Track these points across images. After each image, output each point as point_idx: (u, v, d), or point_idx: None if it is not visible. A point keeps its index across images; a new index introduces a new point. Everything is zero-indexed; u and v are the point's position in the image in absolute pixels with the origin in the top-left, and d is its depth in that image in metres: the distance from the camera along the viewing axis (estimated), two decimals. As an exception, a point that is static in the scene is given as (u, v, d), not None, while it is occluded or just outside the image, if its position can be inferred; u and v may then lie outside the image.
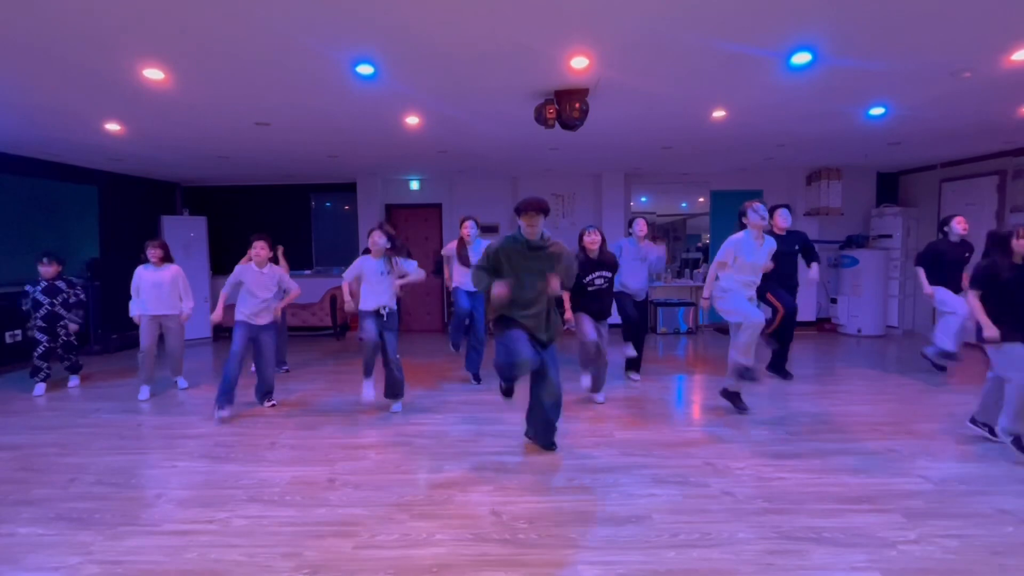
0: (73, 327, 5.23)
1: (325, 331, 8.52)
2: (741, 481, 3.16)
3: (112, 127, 4.96)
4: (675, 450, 3.63)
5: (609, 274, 4.51)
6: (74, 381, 5.46)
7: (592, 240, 4.41)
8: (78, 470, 3.41)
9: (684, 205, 9.82)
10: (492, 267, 3.41)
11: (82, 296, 5.32)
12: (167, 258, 5.14)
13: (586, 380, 4.48)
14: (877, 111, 4.74)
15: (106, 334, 7.22)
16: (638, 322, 5.21)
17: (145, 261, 5.11)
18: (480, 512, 2.83)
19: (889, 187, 8.50)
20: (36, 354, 5.13)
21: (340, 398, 4.98)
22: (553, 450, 3.58)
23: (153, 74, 3.55)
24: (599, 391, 4.62)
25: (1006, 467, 3.31)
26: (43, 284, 5.07)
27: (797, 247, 5.25)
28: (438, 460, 3.52)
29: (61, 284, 5.15)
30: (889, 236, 7.97)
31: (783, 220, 5.19)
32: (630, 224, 5.25)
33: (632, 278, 5.12)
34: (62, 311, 5.15)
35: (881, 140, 6.05)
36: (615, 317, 4.97)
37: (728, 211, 8.75)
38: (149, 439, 3.96)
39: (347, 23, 2.89)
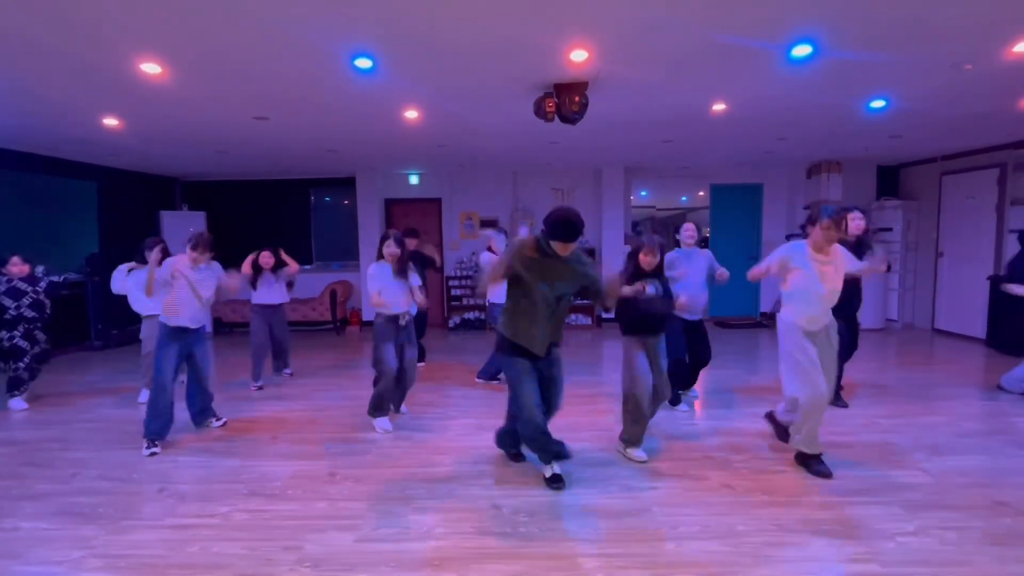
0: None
1: (325, 326, 8.53)
2: (740, 474, 3.17)
3: (110, 122, 4.95)
4: (674, 443, 3.64)
5: (658, 283, 3.49)
6: (21, 404, 4.63)
7: (649, 261, 3.47)
8: (80, 465, 3.42)
9: (684, 199, 9.80)
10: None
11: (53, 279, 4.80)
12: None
13: (640, 454, 3.39)
14: (878, 104, 4.72)
15: (106, 330, 7.22)
16: (691, 354, 4.30)
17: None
18: (481, 506, 2.84)
19: (889, 180, 8.49)
20: (23, 364, 4.62)
21: (340, 392, 5.00)
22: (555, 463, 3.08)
23: (150, 68, 3.54)
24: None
25: (1005, 459, 3.32)
26: (20, 277, 4.58)
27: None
28: (438, 454, 3.53)
29: (39, 271, 4.69)
30: (889, 229, 7.95)
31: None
32: (676, 231, 4.46)
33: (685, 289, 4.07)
34: (44, 299, 4.66)
35: (882, 133, 6.03)
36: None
37: (728, 205, 8.76)
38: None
39: (345, 16, 2.87)
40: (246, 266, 5.14)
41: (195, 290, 3.76)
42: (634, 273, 3.48)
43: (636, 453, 3.39)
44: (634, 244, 3.58)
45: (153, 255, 3.96)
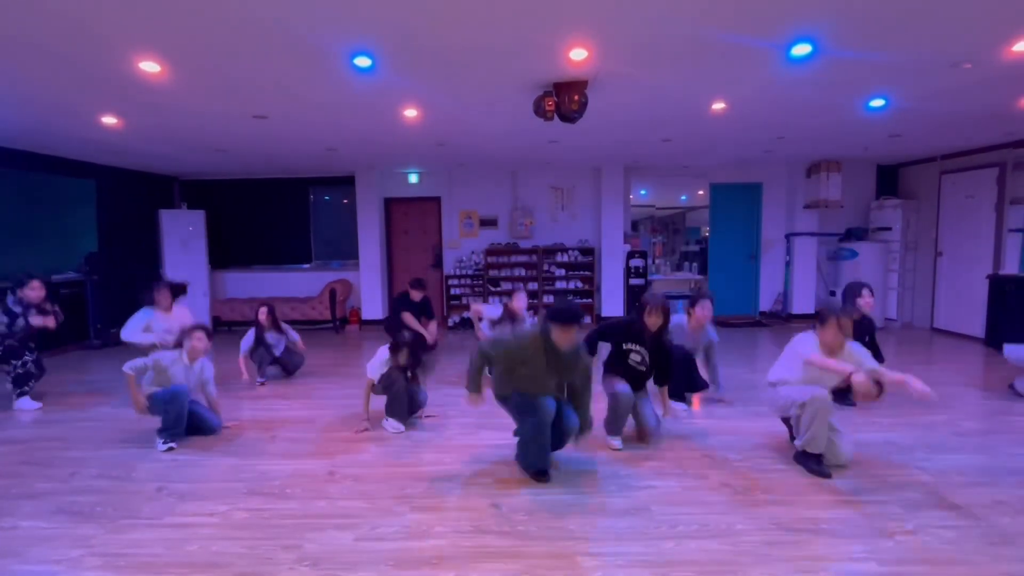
0: (47, 320, 4.54)
1: (325, 325, 8.53)
2: (739, 472, 3.17)
3: (109, 120, 4.94)
4: (673, 442, 3.65)
5: (649, 364, 3.62)
6: (32, 404, 4.58)
7: (654, 322, 3.53)
8: (79, 464, 3.42)
9: (684, 198, 9.80)
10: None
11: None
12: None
13: (617, 442, 3.55)
14: (877, 103, 4.72)
15: (105, 328, 7.21)
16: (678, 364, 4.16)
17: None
18: (480, 504, 2.85)
19: (889, 179, 8.49)
20: (30, 359, 4.57)
21: (340, 391, 4.99)
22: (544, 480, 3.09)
23: (149, 67, 3.53)
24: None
25: (1003, 458, 3.32)
26: (33, 310, 4.50)
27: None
28: (437, 453, 3.53)
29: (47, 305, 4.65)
30: (888, 228, 7.96)
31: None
32: (693, 303, 4.30)
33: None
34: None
35: (881, 132, 6.03)
36: None
37: (728, 204, 8.77)
38: (150, 433, 3.95)
39: (344, 14, 2.87)
40: (243, 365, 5.24)
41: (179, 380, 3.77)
42: (631, 333, 3.60)
43: (612, 441, 3.54)
44: (643, 301, 3.66)
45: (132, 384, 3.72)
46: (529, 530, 2.60)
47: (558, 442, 3.17)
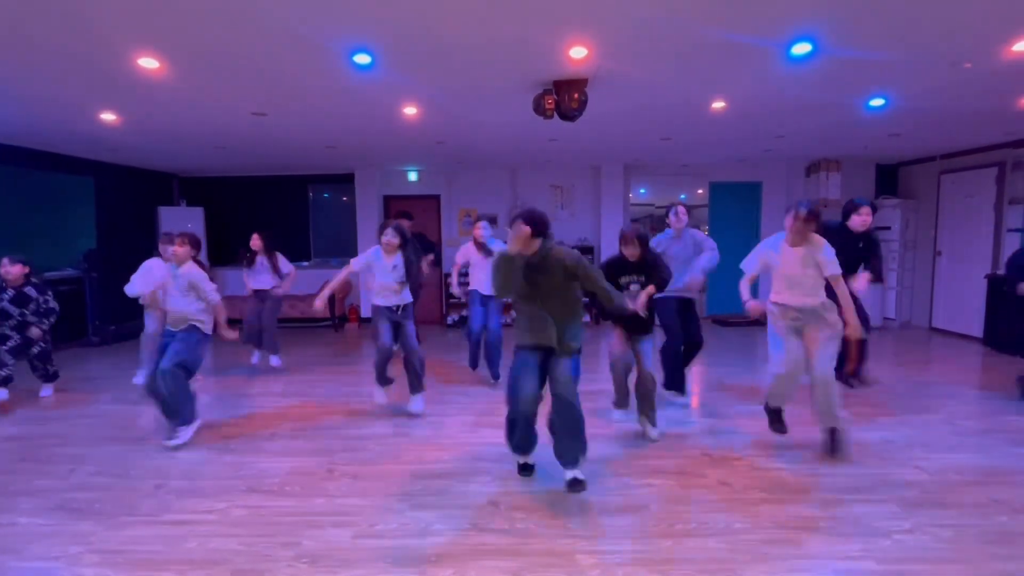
0: (36, 332, 4.59)
1: (323, 322, 8.52)
2: (738, 471, 3.18)
3: (108, 117, 4.93)
4: (672, 440, 3.65)
5: (643, 277, 3.60)
6: (47, 391, 4.83)
7: (632, 252, 3.55)
8: (78, 461, 3.42)
9: (683, 197, 9.79)
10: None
11: (53, 304, 4.68)
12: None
13: (618, 416, 3.61)
14: (877, 102, 4.71)
15: (104, 325, 7.21)
16: (684, 336, 4.34)
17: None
18: (478, 502, 2.85)
19: (888, 179, 8.49)
20: (4, 348, 4.52)
21: (339, 388, 5.00)
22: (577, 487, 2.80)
23: (148, 63, 3.52)
24: (653, 424, 3.70)
25: (1001, 457, 3.33)
26: (10, 293, 4.49)
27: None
28: (436, 451, 3.53)
29: (31, 291, 4.57)
30: (887, 228, 7.96)
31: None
32: (666, 214, 4.48)
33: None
34: (32, 319, 4.60)
35: (881, 131, 6.03)
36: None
37: (728, 203, 8.76)
38: (148, 430, 3.96)
39: (344, 12, 2.86)
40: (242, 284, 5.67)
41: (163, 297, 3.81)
42: (620, 266, 3.63)
43: (615, 415, 3.71)
44: (620, 234, 3.67)
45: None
46: (528, 528, 2.60)
47: (565, 427, 2.89)
